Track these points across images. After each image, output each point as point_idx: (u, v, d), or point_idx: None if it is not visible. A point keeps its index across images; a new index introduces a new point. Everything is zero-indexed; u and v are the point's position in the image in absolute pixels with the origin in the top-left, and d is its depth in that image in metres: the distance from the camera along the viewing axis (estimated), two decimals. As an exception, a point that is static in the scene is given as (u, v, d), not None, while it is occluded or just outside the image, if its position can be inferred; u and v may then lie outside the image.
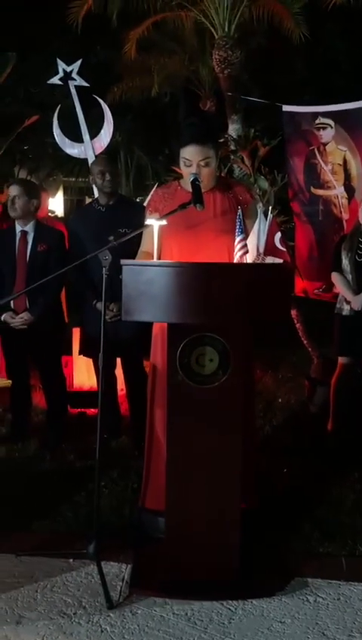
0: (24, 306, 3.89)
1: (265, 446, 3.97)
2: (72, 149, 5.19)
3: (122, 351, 3.90)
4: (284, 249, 2.81)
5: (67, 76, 5.20)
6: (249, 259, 2.66)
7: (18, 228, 3.97)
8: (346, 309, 4.04)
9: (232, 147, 5.60)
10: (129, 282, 2.40)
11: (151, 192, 3.25)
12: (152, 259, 2.62)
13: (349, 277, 4.01)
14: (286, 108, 5.21)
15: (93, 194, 4.56)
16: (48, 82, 5.41)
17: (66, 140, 5.18)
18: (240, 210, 2.71)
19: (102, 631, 2.32)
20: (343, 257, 4.05)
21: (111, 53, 9.11)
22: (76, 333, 4.63)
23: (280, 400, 4.99)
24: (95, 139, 5.15)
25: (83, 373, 4.86)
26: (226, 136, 5.92)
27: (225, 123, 6.36)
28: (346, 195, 4.90)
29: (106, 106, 5.30)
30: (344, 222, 4.91)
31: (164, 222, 2.61)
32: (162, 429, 2.79)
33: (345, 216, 4.92)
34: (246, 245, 2.65)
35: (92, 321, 3.82)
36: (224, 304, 2.37)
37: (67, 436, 4.11)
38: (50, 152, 10.67)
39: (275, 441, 4.16)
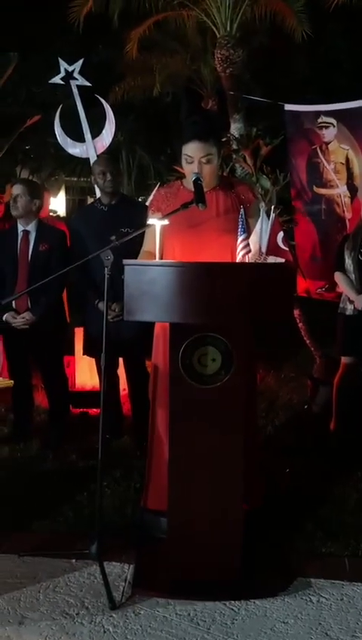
0: (26, 306, 3.89)
1: (267, 446, 3.96)
2: (74, 149, 5.19)
3: (124, 351, 3.90)
4: (287, 248, 2.80)
5: (69, 76, 5.20)
6: (251, 258, 2.65)
7: (20, 228, 3.97)
8: (349, 309, 4.03)
9: (234, 146, 5.60)
10: (131, 282, 2.40)
11: (154, 192, 3.25)
12: (154, 258, 2.62)
13: (352, 276, 4.00)
14: (288, 107, 5.21)
15: (95, 194, 4.56)
16: (50, 82, 5.41)
17: (68, 139, 5.18)
18: (242, 210, 2.70)
19: (104, 631, 2.32)
20: (346, 257, 4.04)
21: (113, 53, 9.10)
22: (78, 333, 4.63)
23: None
24: (97, 138, 5.15)
25: (85, 373, 4.85)
26: (228, 135, 5.91)
27: (227, 122, 6.35)
28: (349, 194, 4.90)
29: (108, 105, 5.30)
30: (347, 221, 4.91)
31: (166, 221, 2.60)
32: (164, 428, 2.79)
33: (348, 215, 4.91)
34: (248, 245, 2.64)
35: (94, 321, 3.81)
36: (226, 304, 2.36)
37: (69, 436, 4.11)
38: (52, 151, 10.67)
39: (277, 440, 4.15)
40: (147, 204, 3.21)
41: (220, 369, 2.47)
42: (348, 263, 4.02)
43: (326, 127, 4.94)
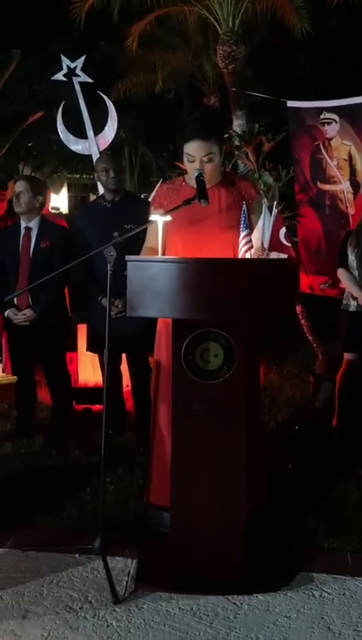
0: (27, 303, 3.90)
1: (269, 442, 3.96)
2: (77, 146, 5.19)
3: (127, 347, 3.90)
4: (289, 244, 2.80)
5: (71, 72, 5.20)
6: (253, 254, 2.65)
7: (22, 224, 3.98)
8: (353, 305, 4.03)
9: (236, 143, 5.59)
10: (134, 278, 2.40)
11: (156, 188, 3.25)
12: (157, 254, 2.62)
13: (355, 273, 4.00)
14: (290, 103, 5.21)
15: (97, 190, 4.57)
16: (52, 78, 5.41)
17: (70, 136, 5.19)
18: (244, 206, 2.70)
19: (108, 625, 2.33)
20: (349, 253, 4.03)
21: (115, 50, 9.10)
22: (81, 329, 4.64)
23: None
24: (99, 135, 5.15)
25: (88, 370, 4.86)
26: (230, 131, 5.91)
27: (229, 119, 6.35)
28: (351, 190, 4.90)
29: (110, 102, 5.30)
30: (350, 217, 4.91)
31: (168, 217, 2.60)
32: (166, 424, 2.79)
33: (351, 211, 4.91)
34: (250, 241, 2.64)
35: (97, 317, 3.82)
36: (228, 300, 2.37)
37: (72, 432, 4.12)
38: (55, 148, 10.68)
39: (280, 436, 4.16)
40: (149, 200, 3.21)
41: (222, 365, 2.47)
42: (351, 259, 4.02)
43: (329, 124, 4.95)
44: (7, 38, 8.99)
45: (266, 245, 2.72)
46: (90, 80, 5.22)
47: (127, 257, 2.44)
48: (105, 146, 5.12)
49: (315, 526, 3.00)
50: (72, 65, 5.19)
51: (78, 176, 12.47)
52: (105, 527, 2.69)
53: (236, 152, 5.56)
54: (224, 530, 2.52)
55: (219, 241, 2.79)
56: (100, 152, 4.94)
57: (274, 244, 2.76)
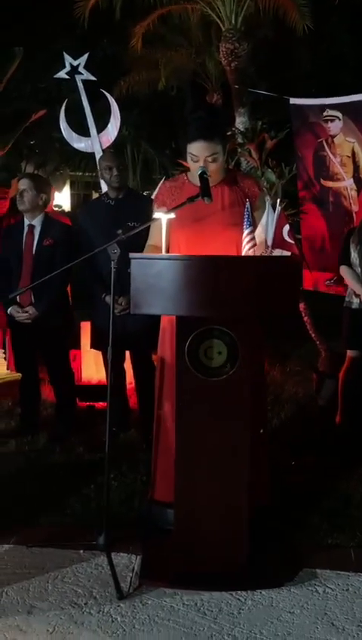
0: (29, 301, 3.91)
1: (273, 439, 3.97)
2: (79, 143, 5.19)
3: (131, 344, 3.91)
4: (292, 242, 2.81)
5: (74, 70, 5.20)
6: (257, 252, 2.66)
7: (26, 222, 3.99)
8: (356, 303, 4.04)
9: (239, 140, 5.59)
10: (137, 275, 2.41)
11: (159, 186, 3.25)
12: (160, 252, 2.63)
13: (358, 270, 4.01)
14: (293, 101, 5.21)
15: (100, 188, 4.58)
16: (55, 76, 5.41)
17: (73, 134, 5.19)
18: (248, 203, 2.70)
19: (112, 621, 2.34)
20: (352, 250, 4.04)
21: (118, 47, 9.09)
22: (84, 327, 4.65)
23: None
24: (102, 133, 5.15)
25: (91, 367, 4.88)
26: (233, 129, 5.90)
27: (232, 116, 6.34)
28: (355, 187, 4.90)
29: (113, 99, 5.30)
30: (354, 214, 4.91)
31: (172, 215, 2.61)
32: (170, 421, 2.80)
33: (355, 208, 4.92)
34: (254, 238, 2.65)
35: (101, 314, 3.83)
36: (232, 297, 2.37)
37: (76, 429, 4.13)
38: (57, 146, 10.67)
39: (283, 434, 4.17)
40: (152, 197, 3.22)
41: (226, 362, 2.48)
42: (354, 256, 4.03)
43: (332, 121, 4.95)
44: (10, 36, 8.99)
45: (269, 243, 2.73)
46: (93, 78, 5.21)
47: (131, 255, 2.45)
48: (107, 144, 5.12)
49: (318, 523, 3.01)
50: (75, 63, 5.19)
51: (80, 173, 12.47)
52: (110, 524, 2.71)
53: (239, 150, 5.55)
54: (228, 527, 2.53)
55: (222, 238, 2.80)
56: (103, 150, 4.94)
57: (278, 242, 2.76)
